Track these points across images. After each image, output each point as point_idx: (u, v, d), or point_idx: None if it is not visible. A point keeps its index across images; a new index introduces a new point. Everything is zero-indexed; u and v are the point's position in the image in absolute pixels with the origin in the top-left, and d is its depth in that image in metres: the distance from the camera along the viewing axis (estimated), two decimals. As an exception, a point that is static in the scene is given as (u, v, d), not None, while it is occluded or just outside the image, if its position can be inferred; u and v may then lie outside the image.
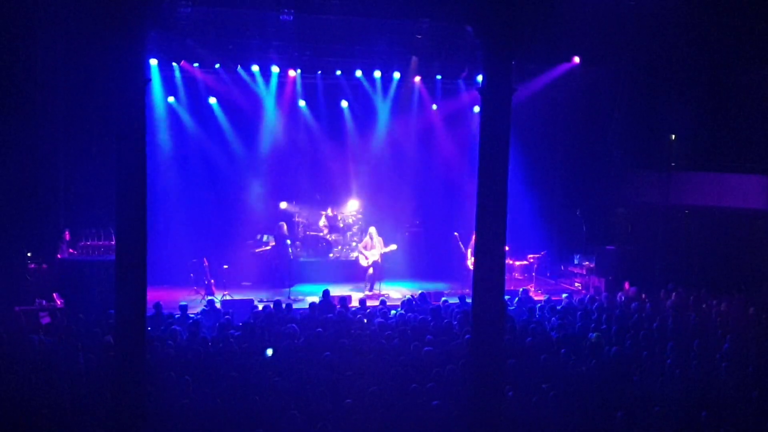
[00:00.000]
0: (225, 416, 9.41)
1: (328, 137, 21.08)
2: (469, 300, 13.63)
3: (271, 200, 20.76)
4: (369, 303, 15.79)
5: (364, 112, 21.11)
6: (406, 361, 11.16)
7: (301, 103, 20.74)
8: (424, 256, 20.99)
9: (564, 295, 16.61)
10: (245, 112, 20.29)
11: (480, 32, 9.79)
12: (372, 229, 19.06)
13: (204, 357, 11.28)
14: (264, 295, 17.36)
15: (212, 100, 20.00)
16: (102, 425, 9.23)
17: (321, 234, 20.87)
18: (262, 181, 20.67)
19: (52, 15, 16.19)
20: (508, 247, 11.21)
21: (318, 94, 20.58)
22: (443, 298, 15.92)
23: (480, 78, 10.39)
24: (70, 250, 16.52)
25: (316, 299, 15.56)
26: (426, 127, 21.56)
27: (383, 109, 20.93)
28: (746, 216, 18.81)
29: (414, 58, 18.89)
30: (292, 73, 19.60)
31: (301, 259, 20.20)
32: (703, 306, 15.51)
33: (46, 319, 14.33)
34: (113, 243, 12.21)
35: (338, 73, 19.72)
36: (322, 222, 20.95)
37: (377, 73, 19.68)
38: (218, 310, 14.89)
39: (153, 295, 13.01)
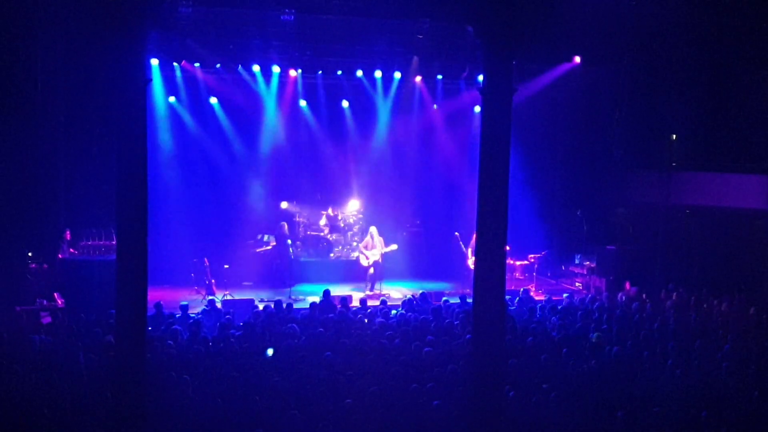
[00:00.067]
0: (225, 416, 9.41)
1: (329, 137, 21.08)
2: (469, 300, 13.66)
3: (272, 200, 20.77)
4: (370, 303, 15.80)
5: (365, 112, 21.11)
6: (407, 361, 11.16)
7: (302, 103, 20.75)
8: (425, 256, 20.99)
9: (565, 295, 16.62)
10: (246, 112, 20.30)
11: (480, 32, 9.79)
12: (373, 229, 19.06)
13: (204, 357, 11.28)
14: (265, 295, 17.35)
15: (213, 100, 20.01)
16: (102, 425, 9.23)
17: (322, 234, 20.87)
18: (262, 181, 20.67)
19: (52, 15, 16.20)
20: (509, 246, 11.22)
21: (319, 94, 20.59)
22: (444, 298, 15.92)
23: (481, 78, 10.39)
24: (71, 250, 16.52)
25: (316, 299, 15.56)
26: (427, 127, 21.56)
27: (384, 109, 20.92)
28: (747, 216, 18.79)
29: (415, 58, 18.89)
30: (292, 73, 19.59)
31: (302, 259, 20.19)
32: (704, 306, 15.51)
33: (46, 319, 14.35)
34: (114, 243, 12.21)
35: (339, 73, 19.71)
36: (323, 222, 20.96)
37: (378, 73, 19.67)
38: (219, 309, 14.90)
39: (154, 295, 13.02)
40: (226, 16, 16.97)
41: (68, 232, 16.76)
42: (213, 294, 16.87)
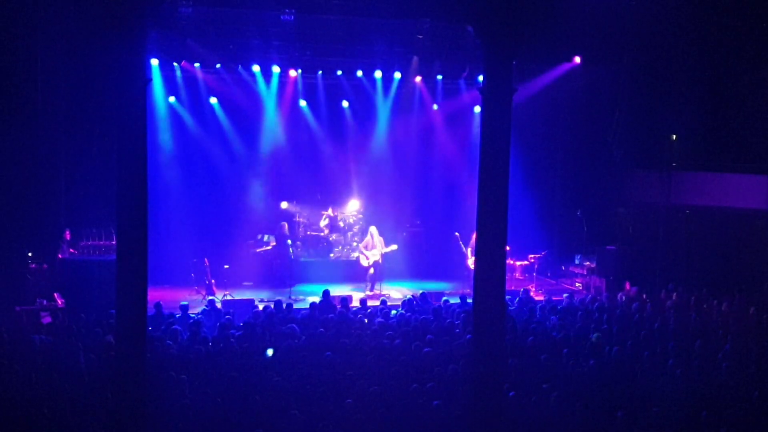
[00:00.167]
0: (225, 416, 9.41)
1: (329, 137, 21.08)
2: (470, 300, 13.66)
3: (272, 200, 20.76)
4: (370, 303, 15.79)
5: (365, 112, 21.11)
6: (407, 361, 11.16)
7: (302, 103, 20.75)
8: (425, 256, 21.00)
9: (565, 295, 16.60)
10: (246, 112, 20.29)
11: (481, 32, 9.79)
12: (373, 229, 19.06)
13: (205, 357, 11.28)
14: (265, 295, 17.36)
15: (213, 100, 20.00)
16: (102, 425, 9.24)
17: (322, 234, 20.86)
18: (262, 181, 20.67)
19: (52, 15, 16.20)
20: (509, 247, 11.22)
21: (319, 94, 20.59)
22: (444, 298, 15.91)
23: (481, 78, 10.39)
24: (71, 250, 16.53)
25: (316, 299, 15.56)
26: (427, 127, 21.57)
27: (384, 109, 20.93)
28: (747, 216, 18.79)
29: (415, 58, 18.90)
30: (292, 73, 19.59)
31: (302, 259, 20.19)
32: (704, 306, 15.50)
33: (47, 319, 14.35)
34: (114, 243, 12.20)
35: (339, 73, 19.73)
36: (323, 222, 20.95)
37: (378, 73, 19.68)
38: (219, 310, 14.90)
39: (154, 295, 13.02)
40: (226, 16, 16.98)
41: (68, 232, 16.76)
42: (213, 294, 16.87)
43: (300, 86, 20.28)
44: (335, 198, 21.37)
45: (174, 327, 12.59)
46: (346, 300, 15.43)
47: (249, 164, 20.53)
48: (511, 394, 10.08)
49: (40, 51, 16.11)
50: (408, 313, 14.39)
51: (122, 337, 9.29)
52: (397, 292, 18.47)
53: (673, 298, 16.02)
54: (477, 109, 19.62)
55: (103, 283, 14.72)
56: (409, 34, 17.67)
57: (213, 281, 17.46)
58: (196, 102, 19.83)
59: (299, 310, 14.93)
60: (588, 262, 20.17)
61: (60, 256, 16.32)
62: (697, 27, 18.53)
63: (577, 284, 20.07)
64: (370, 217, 20.87)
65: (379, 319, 13.76)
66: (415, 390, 10.06)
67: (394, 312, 14.75)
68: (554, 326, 13.54)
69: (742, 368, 11.40)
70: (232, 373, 10.44)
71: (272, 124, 20.57)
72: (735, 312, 14.91)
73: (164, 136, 19.52)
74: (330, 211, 20.97)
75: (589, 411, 9.82)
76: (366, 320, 13.81)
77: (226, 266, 18.57)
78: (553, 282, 20.60)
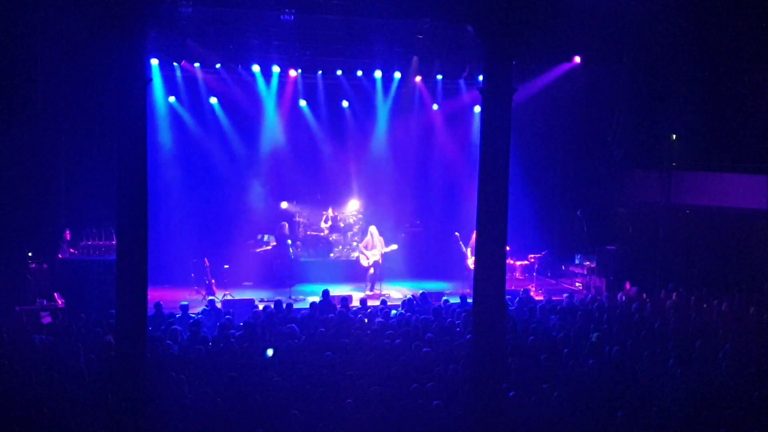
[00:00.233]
0: (225, 416, 9.41)
1: (329, 137, 21.08)
2: (470, 300, 13.66)
3: (272, 200, 20.77)
4: (370, 303, 15.79)
5: (365, 112, 21.11)
6: (407, 361, 11.16)
7: (302, 102, 20.75)
8: (425, 256, 20.99)
9: (565, 295, 16.61)
10: (246, 112, 20.29)
11: (481, 32, 9.80)
12: (373, 229, 19.06)
13: (205, 357, 11.28)
14: (265, 295, 17.36)
15: (213, 100, 20.00)
16: (102, 425, 9.24)
17: (322, 234, 20.87)
18: (262, 181, 20.67)
19: (52, 15, 16.20)
20: (509, 247, 11.22)
21: (318, 94, 20.59)
22: (444, 298, 15.92)
23: (481, 78, 10.39)
24: (71, 250, 16.53)
25: (317, 299, 15.56)
26: (427, 127, 21.57)
27: (384, 109, 20.93)
28: (747, 216, 18.80)
29: (415, 58, 18.91)
30: (292, 72, 19.59)
31: (302, 259, 20.19)
32: (704, 306, 15.50)
33: (47, 319, 14.34)
34: (114, 243, 12.21)
35: (339, 73, 19.73)
36: (323, 222, 20.95)
37: (378, 73, 19.68)
38: (219, 310, 14.90)
39: (154, 295, 13.03)
40: (226, 16, 16.98)
41: (68, 232, 16.75)
42: (213, 294, 16.87)
43: (300, 86, 20.28)
44: (335, 198, 21.37)
45: (174, 327, 12.59)
46: (346, 300, 15.43)
47: (249, 164, 20.53)
48: (511, 394, 10.08)
49: (40, 51, 16.11)
50: (408, 313, 14.39)
51: (122, 337, 9.29)
52: (397, 292, 18.47)
53: (673, 298, 16.02)
54: (477, 109, 19.62)
55: (103, 283, 14.74)
56: (409, 34, 17.67)
57: (213, 281, 17.46)
58: (196, 102, 19.83)
59: (299, 310, 14.93)
60: (588, 262, 20.17)
61: (60, 256, 16.32)
62: (697, 27, 18.53)
63: (577, 284, 20.07)
64: (370, 217, 20.87)
65: (379, 319, 13.76)
66: (415, 390, 10.06)
67: (394, 312, 14.74)
68: (554, 326, 13.54)
69: (742, 368, 11.39)
70: (232, 373, 10.43)
71: (272, 124, 20.57)
72: (735, 312, 14.90)
73: (164, 136, 19.52)
74: (330, 211, 20.97)
75: (589, 411, 9.82)
76: (366, 320, 13.80)
77: (226, 266, 18.56)
78: (553, 282, 20.60)
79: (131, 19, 9.01)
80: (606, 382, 10.75)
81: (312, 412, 9.41)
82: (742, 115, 19.23)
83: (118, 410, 9.11)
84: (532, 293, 17.35)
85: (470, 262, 17.50)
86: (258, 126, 20.53)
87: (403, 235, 21.08)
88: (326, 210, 21.00)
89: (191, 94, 19.69)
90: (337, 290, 16.90)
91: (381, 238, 18.90)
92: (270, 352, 11.50)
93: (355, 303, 15.80)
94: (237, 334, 12.47)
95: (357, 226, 21.07)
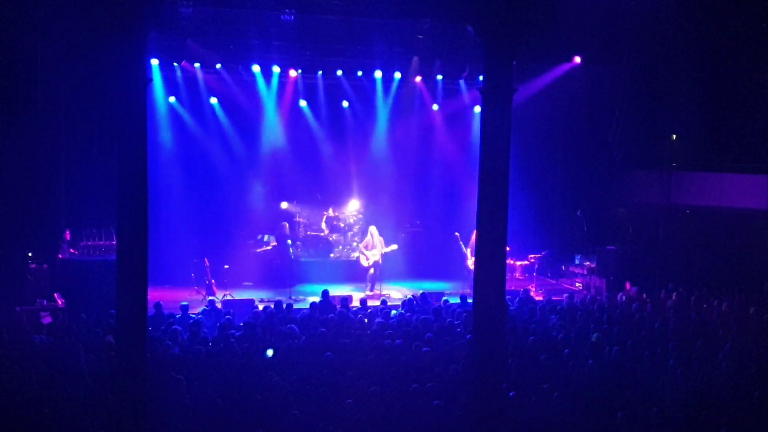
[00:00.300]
0: (225, 416, 9.41)
1: (329, 137, 21.08)
2: (470, 300, 13.65)
3: (272, 200, 20.77)
4: (370, 303, 15.79)
5: (365, 112, 21.12)
6: (407, 361, 11.16)
7: (302, 103, 20.75)
8: (425, 256, 20.98)
9: (565, 295, 16.60)
10: (246, 112, 20.30)
11: (481, 32, 9.79)
12: (373, 229, 19.06)
13: (205, 357, 11.28)
14: (265, 295, 17.36)
15: (213, 100, 20.00)
16: (102, 425, 9.24)
17: (322, 234, 20.87)
18: (263, 181, 20.68)
19: (52, 15, 16.20)
20: (509, 247, 11.22)
21: (319, 94, 20.59)
22: (444, 298, 15.92)
23: (481, 78, 10.39)
24: (71, 250, 16.52)
25: (317, 299, 15.56)
26: (427, 127, 21.58)
27: (384, 109, 20.94)
28: (747, 216, 18.81)
29: (415, 58, 18.91)
30: (293, 73, 19.59)
31: (302, 259, 20.18)
32: (704, 306, 15.50)
33: (47, 319, 14.34)
34: (114, 243, 12.20)
35: (339, 73, 19.73)
36: (323, 222, 20.95)
37: (378, 73, 19.68)
38: (219, 310, 14.89)
39: (154, 295, 13.01)
40: (226, 16, 16.99)
41: (68, 233, 16.76)
42: (213, 294, 16.88)
43: (300, 86, 20.29)
44: (335, 198, 21.37)
45: (174, 327, 12.59)
46: (346, 300, 15.43)
47: (249, 164, 20.53)
48: (511, 394, 10.08)
49: (41, 51, 16.11)
50: (408, 314, 14.39)
51: (122, 337, 9.29)
52: (397, 292, 18.47)
53: (673, 298, 16.01)
54: (477, 109, 19.62)
55: (103, 284, 14.72)
56: (409, 34, 17.67)
57: (213, 281, 17.46)
58: (196, 102, 19.84)
59: (299, 310, 14.93)
60: (588, 262, 20.17)
61: (60, 256, 16.33)
62: (697, 27, 18.53)
63: (577, 284, 20.06)
64: (370, 217, 20.87)
65: (379, 320, 13.76)
66: (416, 390, 10.06)
67: (394, 312, 14.75)
68: (554, 326, 13.54)
69: (743, 368, 11.39)
70: (232, 374, 10.44)
71: (272, 124, 20.57)
72: (735, 312, 14.90)
73: (165, 136, 19.52)
74: (330, 211, 20.97)
75: (590, 411, 9.82)
76: (366, 320, 13.80)
77: (226, 266, 18.57)
78: (554, 282, 20.60)
79: (131, 19, 9.01)
80: (606, 382, 10.75)
81: (312, 413, 9.41)
82: (742, 115, 19.24)
83: (118, 410, 9.11)
84: (532, 293, 17.35)
85: (470, 262, 17.50)
86: (258, 126, 20.54)
87: (403, 235, 21.08)
88: (325, 210, 21.00)
89: (191, 95, 19.70)
90: (337, 290, 16.90)
91: (381, 238, 18.90)
92: (270, 352, 11.50)
93: (355, 303, 15.80)
94: (237, 334, 12.47)
95: (357, 227, 21.07)
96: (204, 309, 14.96)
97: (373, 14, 16.21)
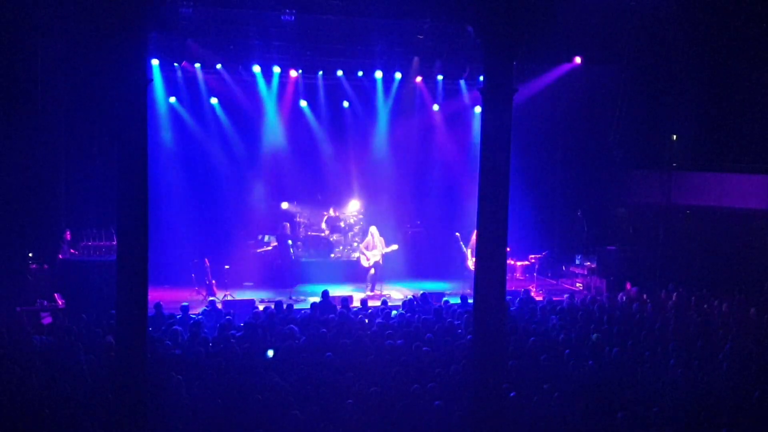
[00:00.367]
0: (226, 416, 9.41)
1: (330, 137, 21.08)
2: (470, 300, 13.65)
3: (273, 200, 20.77)
4: (370, 303, 15.79)
5: (366, 112, 21.12)
6: (408, 362, 11.16)
7: (303, 103, 20.75)
8: (425, 257, 20.99)
9: (565, 296, 16.59)
10: (246, 113, 20.30)
11: (481, 32, 9.79)
12: (373, 229, 19.05)
13: (205, 357, 11.28)
14: (266, 296, 17.36)
15: (213, 101, 20.01)
16: (103, 425, 9.24)
17: (322, 234, 20.87)
18: (263, 182, 20.67)
19: (53, 15, 16.20)
20: (510, 247, 11.21)
21: (319, 94, 20.59)
22: (444, 299, 15.91)
23: (481, 78, 10.39)
24: (72, 251, 16.52)
25: (317, 300, 15.56)
26: (427, 128, 21.58)
27: (384, 109, 20.94)
28: (747, 216, 18.80)
29: (415, 59, 18.91)
30: (293, 73, 19.59)
31: (303, 260, 20.18)
32: (705, 306, 15.50)
33: (47, 320, 14.35)
34: (114, 243, 12.21)
35: (339, 73, 19.73)
36: (324, 222, 20.95)
37: (378, 74, 19.68)
38: (219, 310, 14.89)
39: (154, 296, 12.98)
40: (226, 17, 16.97)
41: (68, 233, 16.76)
42: (213, 294, 16.87)
43: (300, 87, 20.29)
44: (336, 198, 21.37)
45: (174, 327, 12.58)
46: (346, 300, 15.43)
47: (250, 164, 20.52)
48: (512, 394, 10.08)
49: (41, 51, 16.13)
50: (408, 314, 14.38)
51: (122, 337, 9.29)
52: (397, 292, 18.46)
53: (674, 298, 16.01)
54: (477, 109, 19.62)
55: (103, 284, 14.71)
56: (410, 35, 17.66)
57: (214, 281, 17.45)
58: (196, 102, 19.84)
59: (299, 310, 14.93)
60: (588, 263, 20.16)
61: (60, 256, 16.32)
62: (697, 27, 18.53)
63: (577, 284, 20.06)
64: (371, 217, 20.86)
65: (380, 320, 13.76)
66: (416, 390, 10.06)
67: (394, 312, 14.74)
68: (555, 327, 13.54)
69: (743, 368, 11.38)
70: (233, 374, 10.43)
71: (273, 124, 20.57)
72: (735, 312, 14.90)
73: (165, 136, 19.52)
74: (331, 212, 20.98)
75: (590, 411, 9.81)
76: (366, 321, 13.80)
77: (226, 266, 18.55)
78: (554, 282, 20.61)
79: (132, 19, 9.02)
80: (606, 382, 10.74)
81: (312, 413, 9.40)
82: (742, 115, 19.23)
83: (118, 410, 9.11)
84: (532, 294, 17.34)
85: (470, 262, 17.50)
86: (259, 126, 20.54)
87: (406, 234, 21.09)
88: (326, 210, 21.00)
89: (192, 95, 19.70)
90: (337, 291, 16.90)
91: (381, 239, 18.89)
92: (271, 352, 11.50)
93: (356, 303, 15.80)
94: (237, 334, 12.47)
95: (357, 227, 21.07)
96: (204, 309, 14.96)
97: (374, 14, 16.21)
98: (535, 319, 14.13)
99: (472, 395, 9.76)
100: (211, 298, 15.98)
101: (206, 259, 17.46)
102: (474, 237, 16.24)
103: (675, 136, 20.11)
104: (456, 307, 14.96)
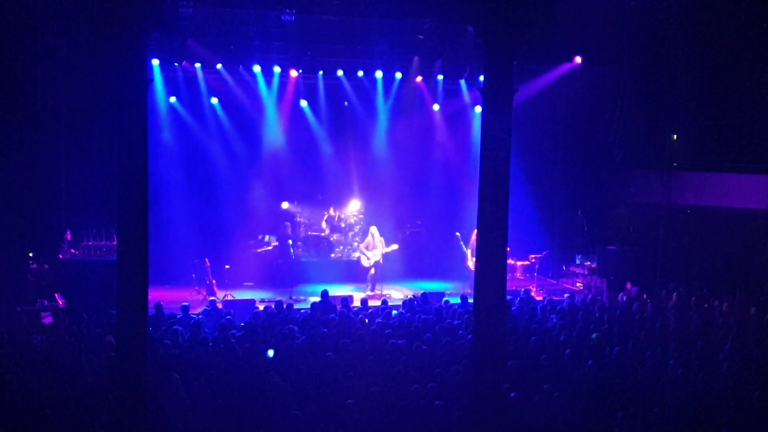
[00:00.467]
0: (226, 416, 9.42)
1: (330, 137, 21.07)
2: (470, 300, 13.65)
3: (273, 200, 20.76)
4: (370, 303, 15.79)
5: (366, 112, 21.10)
6: (408, 362, 11.16)
7: (303, 103, 20.74)
8: (426, 256, 21.00)
9: (566, 296, 16.59)
10: (247, 113, 20.28)
11: (481, 32, 9.80)
12: (373, 229, 19.05)
13: (205, 357, 11.28)
14: (266, 296, 17.36)
15: (214, 101, 20.00)
16: (103, 425, 9.25)
17: (323, 234, 20.86)
18: (263, 181, 20.65)
19: (53, 15, 16.20)
20: (510, 247, 11.20)
21: (319, 94, 20.58)
22: (445, 299, 15.91)
23: (481, 78, 10.39)
24: (72, 251, 16.51)
25: (318, 299, 15.56)
26: (427, 128, 21.57)
27: (385, 109, 20.92)
28: (747, 216, 18.81)
29: (415, 58, 18.90)
30: (293, 73, 19.56)
31: (303, 260, 20.17)
32: (705, 306, 15.50)
33: (47, 320, 14.35)
34: (115, 243, 12.21)
35: (340, 73, 19.71)
36: (324, 222, 20.95)
37: (379, 74, 19.67)
38: (220, 310, 14.89)
39: (154, 295, 12.97)
40: (226, 17, 16.99)
41: (69, 233, 16.75)
42: (214, 294, 16.87)
43: (301, 86, 20.28)
44: (336, 198, 21.36)
45: (175, 327, 12.59)
46: (347, 300, 15.43)
47: (250, 164, 20.51)
48: (512, 394, 10.08)
49: (41, 51, 16.13)
50: (409, 314, 14.38)
51: (123, 337, 9.29)
52: (397, 292, 18.46)
53: (674, 298, 16.02)
54: (477, 109, 19.61)
55: (103, 284, 14.69)
56: (410, 35, 17.67)
57: (214, 281, 17.45)
58: (196, 102, 19.83)
59: (299, 310, 14.93)
60: (589, 262, 20.17)
61: (61, 256, 16.32)
62: (697, 27, 18.54)
63: (578, 284, 20.06)
64: (371, 217, 20.86)
65: (380, 320, 13.76)
66: (417, 390, 10.06)
67: (394, 312, 14.74)
68: (555, 326, 13.54)
69: (743, 368, 11.39)
70: (233, 374, 10.44)
71: (273, 124, 20.56)
72: (736, 312, 14.91)
73: (165, 136, 19.51)
74: (331, 211, 20.97)
75: (590, 411, 9.82)
76: (367, 320, 13.80)
77: (226, 266, 18.55)
78: (554, 282, 20.61)
79: (132, 19, 9.02)
80: (607, 382, 10.75)
81: (313, 413, 9.42)
82: (742, 115, 19.24)
83: (119, 410, 9.11)
84: (532, 293, 17.35)
85: (471, 262, 17.50)
86: (259, 126, 20.53)
87: (406, 233, 21.09)
88: (326, 210, 21.01)
89: (192, 95, 19.69)
90: (337, 290, 16.90)
91: (382, 239, 18.89)
92: (271, 352, 11.50)
93: (356, 303, 15.80)
94: (238, 334, 12.47)
95: (358, 227, 21.07)
96: (205, 309, 14.96)
97: (374, 14, 16.21)
98: (536, 319, 14.13)
99: (472, 395, 9.76)
100: (211, 298, 15.98)
101: (206, 259, 17.45)
102: (474, 237, 16.26)
103: (675, 136, 20.11)
104: (456, 307, 14.96)
